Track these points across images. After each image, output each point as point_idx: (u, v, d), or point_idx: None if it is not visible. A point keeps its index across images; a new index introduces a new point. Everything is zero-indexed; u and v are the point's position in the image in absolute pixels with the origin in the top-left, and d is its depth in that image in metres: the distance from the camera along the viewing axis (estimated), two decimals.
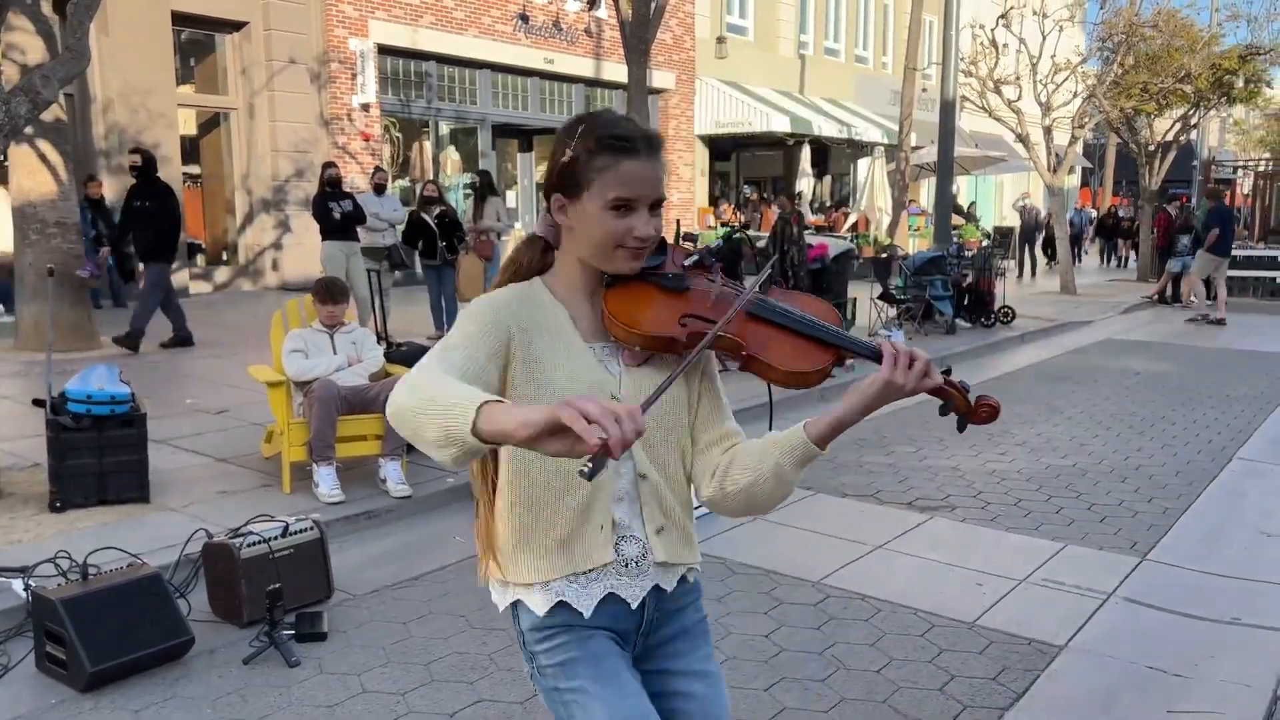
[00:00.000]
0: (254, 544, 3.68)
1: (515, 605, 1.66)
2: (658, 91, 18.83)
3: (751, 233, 18.53)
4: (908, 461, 6.26)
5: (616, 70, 18.88)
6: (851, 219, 20.81)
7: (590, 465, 1.20)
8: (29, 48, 7.97)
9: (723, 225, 19.46)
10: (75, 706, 3.12)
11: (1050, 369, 10.04)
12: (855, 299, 10.07)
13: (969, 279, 12.39)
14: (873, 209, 20.79)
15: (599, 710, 1.57)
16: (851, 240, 15.77)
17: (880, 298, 11.46)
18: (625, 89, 19.14)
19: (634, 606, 1.64)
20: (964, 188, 26.81)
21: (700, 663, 1.73)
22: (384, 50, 14.89)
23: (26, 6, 7.64)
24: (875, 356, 1.59)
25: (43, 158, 8.29)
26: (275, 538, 3.74)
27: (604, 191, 1.54)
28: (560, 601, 1.61)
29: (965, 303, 12.34)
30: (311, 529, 3.89)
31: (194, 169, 13.99)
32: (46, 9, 8.26)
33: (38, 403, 4.73)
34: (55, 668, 3.23)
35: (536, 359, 1.58)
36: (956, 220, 17.93)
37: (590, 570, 1.61)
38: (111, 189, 11.87)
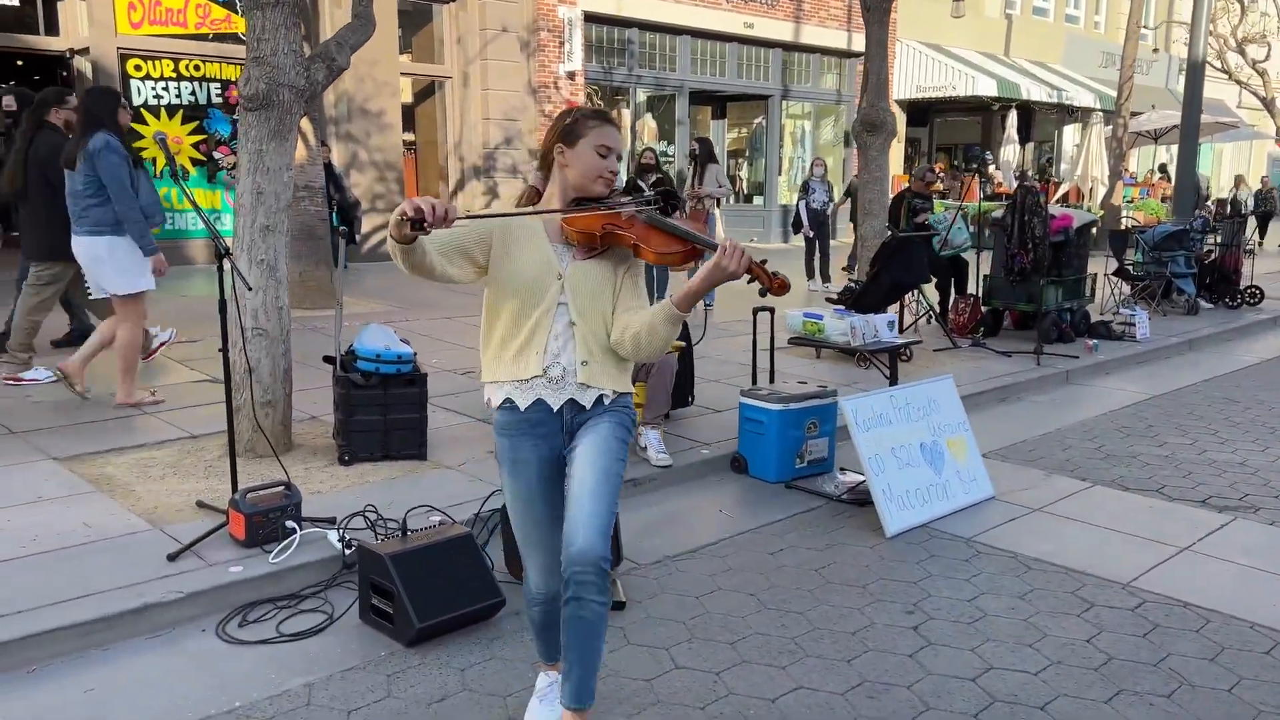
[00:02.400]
0: None
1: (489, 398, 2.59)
2: (855, 55, 18.19)
3: (951, 202, 17.73)
4: (1185, 454, 5.76)
5: (815, 33, 18.37)
6: (1063, 189, 19.57)
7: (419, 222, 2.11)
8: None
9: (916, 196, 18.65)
10: (403, 661, 3.20)
11: None
12: (1094, 275, 9.40)
13: (1214, 255, 11.40)
14: (1086, 178, 19.47)
15: (508, 489, 2.61)
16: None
17: (1116, 274, 10.69)
18: (821, 53, 18.72)
19: (554, 410, 2.51)
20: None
21: (587, 433, 2.52)
22: (590, 18, 14.95)
23: None
24: (714, 248, 2.36)
25: None
26: None
27: (593, 141, 2.47)
28: (508, 397, 2.52)
29: (1207, 281, 11.37)
30: None
31: (409, 136, 14.48)
32: None
33: (328, 360, 4.93)
34: (381, 620, 3.33)
35: (512, 244, 2.49)
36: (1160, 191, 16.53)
37: (526, 379, 2.49)
38: (340, 156, 12.44)
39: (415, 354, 4.89)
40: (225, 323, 3.91)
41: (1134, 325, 9.03)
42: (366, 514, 3.93)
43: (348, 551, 3.71)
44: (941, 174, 20.31)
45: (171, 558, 3.62)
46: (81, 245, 5.45)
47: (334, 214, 11.93)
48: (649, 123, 16.94)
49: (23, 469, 4.58)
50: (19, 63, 14.98)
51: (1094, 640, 3.44)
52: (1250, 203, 18.57)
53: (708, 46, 16.99)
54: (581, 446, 2.49)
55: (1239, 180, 20.97)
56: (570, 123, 2.48)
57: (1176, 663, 3.29)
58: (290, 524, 3.78)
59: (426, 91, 14.46)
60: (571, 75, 14.81)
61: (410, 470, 4.71)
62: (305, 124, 8.92)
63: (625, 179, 10.17)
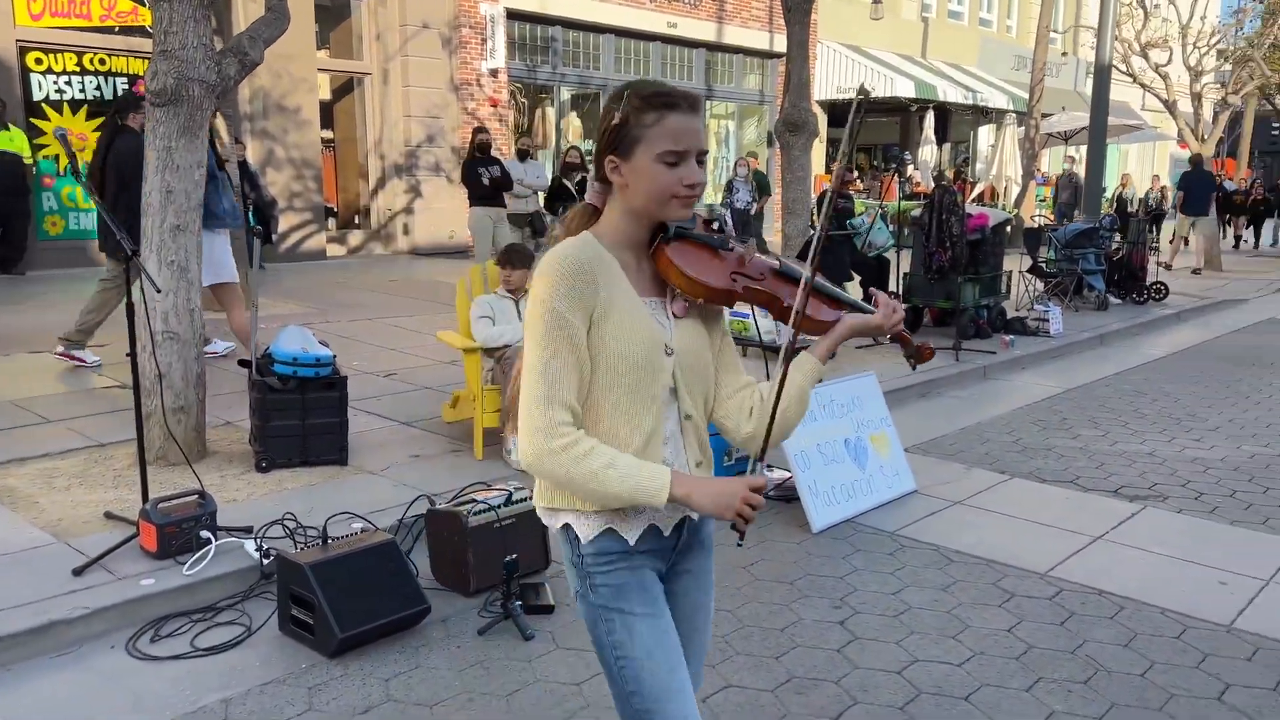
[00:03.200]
0: (480, 512, 3.63)
1: (566, 528, 1.77)
2: (777, 56, 18.40)
3: (871, 201, 18.04)
4: (1097, 445, 5.94)
5: (738, 34, 18.52)
6: (978, 188, 20.08)
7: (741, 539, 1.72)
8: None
9: (841, 196, 18.96)
10: (325, 672, 3.11)
11: (1219, 349, 9.48)
12: (1010, 273, 9.65)
13: (1121, 253, 11.80)
14: (1000, 178, 20.00)
15: (644, 632, 1.73)
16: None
17: (1029, 270, 10.99)
18: (745, 53, 18.88)
19: (666, 534, 1.79)
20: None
21: (698, 578, 1.92)
22: (513, 15, 14.82)
23: None
24: (866, 308, 1.90)
25: None
26: (500, 505, 3.69)
27: (653, 146, 1.67)
28: (608, 528, 1.73)
29: (1115, 278, 11.77)
30: (531, 499, 3.83)
31: (328, 133, 14.18)
32: None
33: (243, 363, 4.78)
34: (301, 631, 3.23)
35: (612, 303, 1.69)
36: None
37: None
38: (255, 153, 12.11)
39: (335, 356, 4.78)
40: (133, 327, 3.76)
41: (1048, 321, 9.29)
42: (285, 522, 3.82)
43: (266, 561, 3.60)
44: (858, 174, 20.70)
45: (77, 572, 3.47)
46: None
47: (250, 213, 11.64)
48: (574, 121, 16.88)
49: None
50: None
51: (1014, 630, 3.52)
52: (1138, 205, 19.29)
53: (632, 45, 16.99)
54: (691, 599, 1.90)
55: (1125, 179, 21.77)
56: (619, 122, 1.68)
57: (1093, 649, 3.38)
58: (205, 534, 3.65)
59: (345, 88, 14.17)
60: (494, 72, 14.67)
61: (331, 476, 4.60)
62: (221, 120, 8.66)
63: (551, 178, 10.11)
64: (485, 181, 9.22)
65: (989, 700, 3.04)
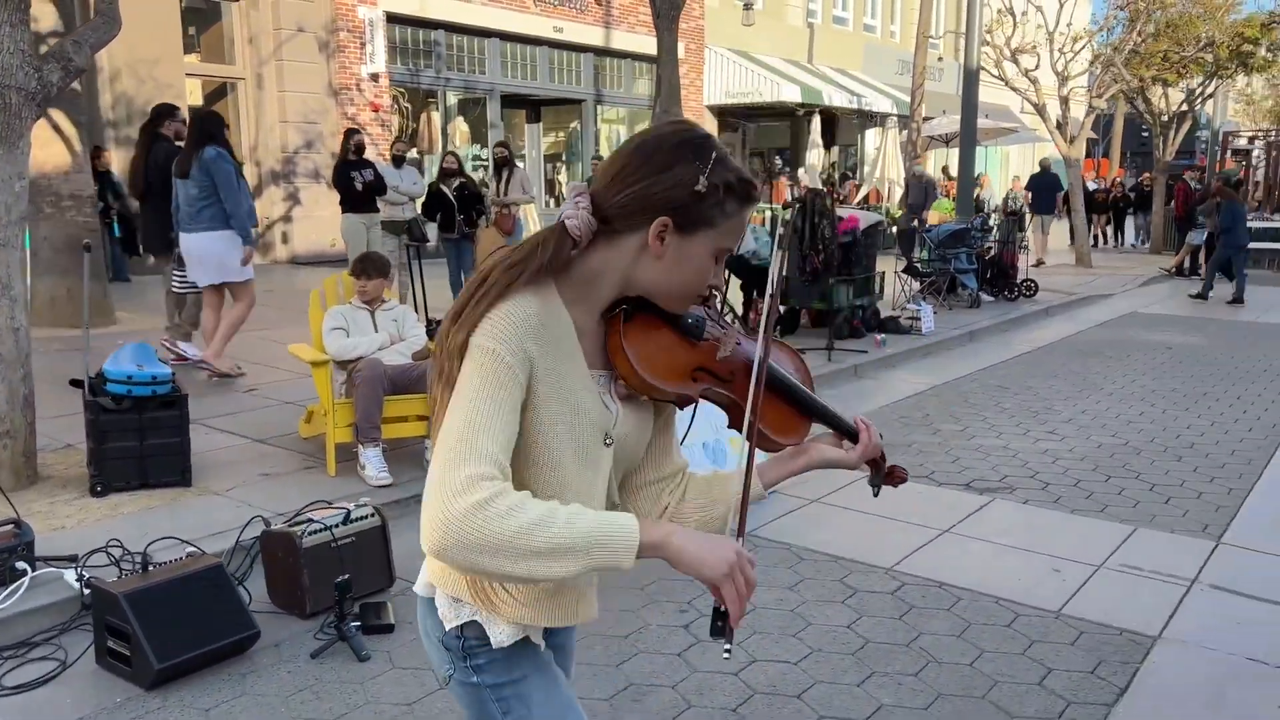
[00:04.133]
0: (315, 532, 3.53)
1: (466, 625, 1.47)
2: None
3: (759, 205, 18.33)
4: (956, 440, 6.12)
5: (626, 39, 18.59)
6: (863, 191, 20.58)
7: (727, 642, 1.31)
8: (43, 15, 7.71)
9: None
10: (142, 705, 2.98)
11: (1080, 343, 9.90)
12: (884, 273, 9.90)
13: (992, 252, 12.23)
14: (884, 181, 20.54)
15: (539, 695, 1.49)
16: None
17: (905, 271, 11.29)
18: (633, 58, 18.96)
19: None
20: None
21: (569, 637, 1.72)
22: (392, 19, 14.58)
23: None
24: (851, 435, 1.66)
25: (56, 129, 8.06)
26: (337, 525, 3.59)
27: (720, 239, 1.42)
28: (525, 638, 1.49)
29: (988, 276, 12.19)
30: (372, 516, 3.75)
31: None
32: None
33: (75, 383, 4.56)
34: (118, 664, 3.09)
35: (559, 374, 1.38)
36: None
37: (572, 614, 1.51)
38: (119, 161, 11.62)
39: (174, 373, 4.59)
40: None
41: (920, 320, 9.56)
42: (110, 549, 3.65)
43: (87, 591, 3.43)
44: None
45: None
46: (197, 241, 6.39)
47: (115, 224, 11.16)
48: (460, 126, 16.70)
49: None
50: None
51: (854, 625, 3.58)
52: (999, 206, 20.10)
53: (518, 50, 16.90)
54: (564, 657, 1.71)
55: (983, 180, 22.64)
56: (701, 192, 1.37)
57: (927, 641, 3.47)
58: (21, 565, 3.46)
59: (218, 93, 13.72)
60: (375, 77, 14.40)
61: (172, 499, 4.42)
62: (71, 128, 8.28)
63: (427, 185, 9.96)
64: (358, 186, 9.02)
65: (821, 697, 3.08)
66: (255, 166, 13.59)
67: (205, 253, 6.44)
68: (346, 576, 3.31)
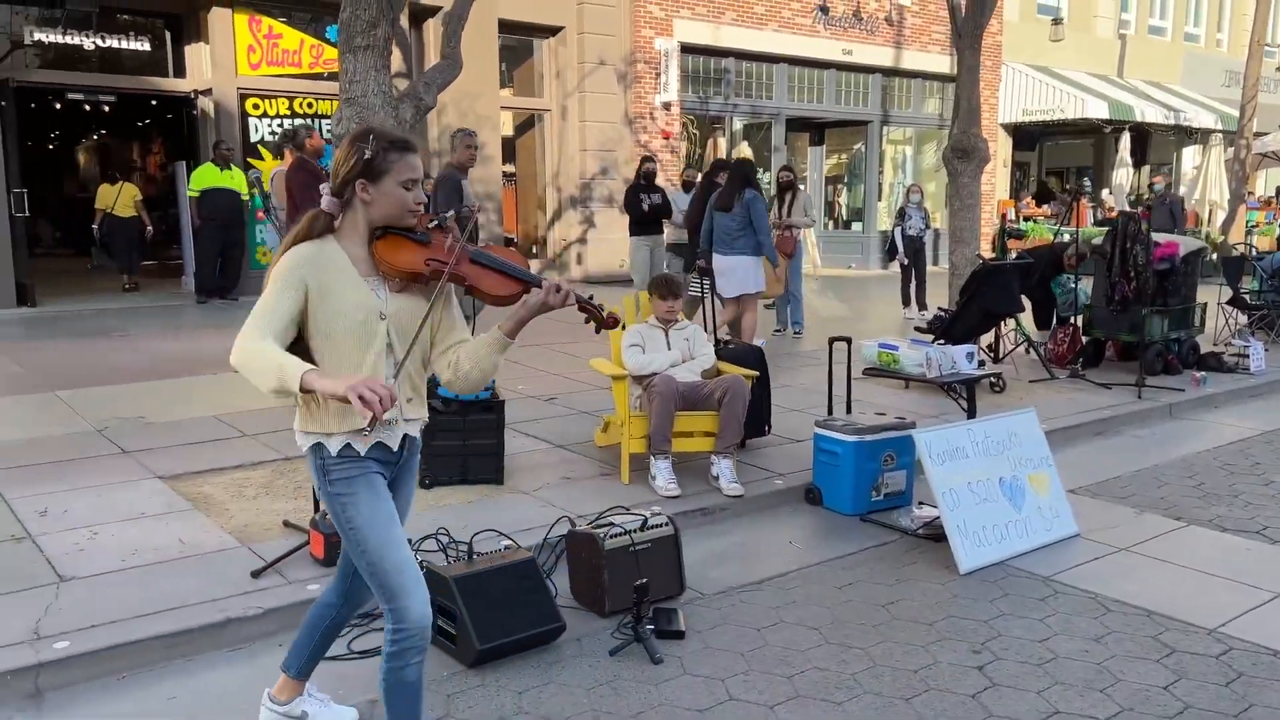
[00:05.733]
0: (616, 535, 3.75)
1: (316, 446, 2.46)
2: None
3: (1056, 227, 17.18)
4: None
5: (916, 58, 18.16)
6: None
7: (367, 426, 2.21)
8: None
9: (1025, 220, 18.18)
10: (463, 681, 3.30)
11: None
12: (1205, 305, 8.99)
13: None
14: (1204, 202, 18.63)
15: (364, 505, 2.44)
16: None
17: (1230, 302, 10.20)
18: (923, 77, 18.47)
19: (394, 449, 2.53)
20: None
21: (406, 482, 2.70)
22: (686, 49, 15.14)
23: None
24: (536, 284, 2.48)
25: None
26: (635, 530, 3.79)
27: (399, 175, 2.39)
28: (347, 444, 2.44)
29: None
30: (666, 525, 3.92)
31: (509, 167, 14.89)
32: (404, 22, 8.99)
33: None
34: (444, 641, 3.43)
35: (329, 289, 2.39)
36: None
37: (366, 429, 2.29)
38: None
39: (495, 381, 5.03)
40: None
41: (1248, 357, 8.60)
42: (439, 536, 4.06)
43: None
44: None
45: (255, 574, 3.82)
46: (730, 262, 7.88)
47: None
48: (744, 150, 16.99)
49: (129, 486, 4.88)
50: (152, 102, 16.04)
51: (1172, 687, 3.30)
52: None
53: (805, 74, 16.98)
54: (400, 499, 2.63)
55: None
56: (370, 158, 2.35)
57: (1260, 714, 3.13)
58: None
59: (526, 124, 14.85)
60: (667, 105, 15.00)
61: (486, 495, 4.84)
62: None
63: None
64: (645, 208, 9.44)
65: None
66: (556, 192, 14.57)
67: (735, 271, 7.84)
68: (645, 580, 3.49)
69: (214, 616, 3.49)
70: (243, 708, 3.10)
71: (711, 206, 8.05)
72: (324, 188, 2.45)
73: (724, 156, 16.38)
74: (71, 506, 4.57)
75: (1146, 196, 19.58)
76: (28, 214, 11.25)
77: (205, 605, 3.57)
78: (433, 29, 12.85)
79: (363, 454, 2.45)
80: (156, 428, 5.97)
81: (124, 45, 11.94)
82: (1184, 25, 23.44)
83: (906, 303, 11.76)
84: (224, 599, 3.63)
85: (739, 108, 16.32)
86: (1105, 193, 19.49)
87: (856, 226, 18.89)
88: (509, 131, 14.78)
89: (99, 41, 11.96)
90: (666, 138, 15.07)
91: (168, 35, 12.46)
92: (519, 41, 14.27)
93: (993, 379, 7.42)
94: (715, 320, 7.25)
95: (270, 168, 12.12)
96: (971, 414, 5.63)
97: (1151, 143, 22.60)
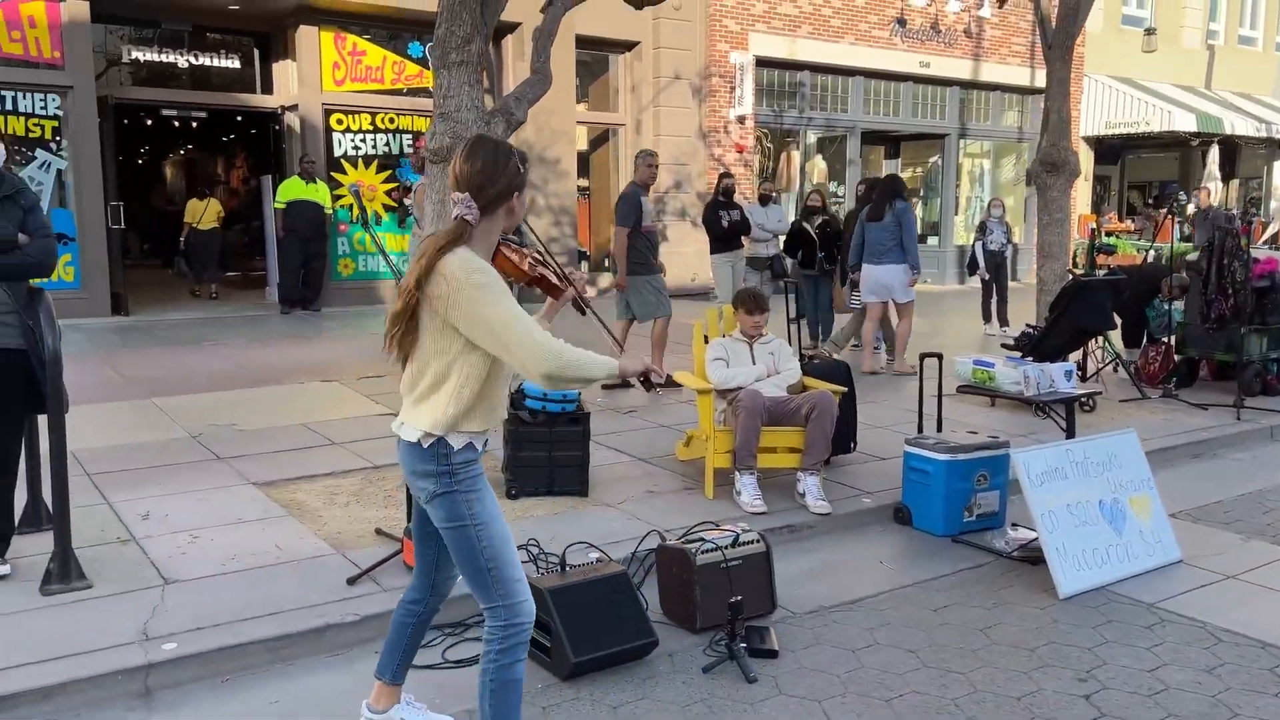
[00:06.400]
0: (708, 551, 3.72)
1: (439, 440, 2.55)
2: (1038, 91, 17.52)
3: (1143, 242, 16.71)
4: None
5: (995, 71, 17.85)
6: (1271, 229, 18.12)
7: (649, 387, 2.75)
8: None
9: (1108, 235, 17.72)
10: (559, 694, 3.29)
11: None
12: None
13: None
14: None
15: (488, 502, 2.62)
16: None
17: None
18: (1002, 90, 18.15)
19: (480, 449, 2.65)
20: None
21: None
22: (761, 62, 15.09)
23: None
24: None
25: None
26: (727, 546, 3.76)
27: (521, 197, 2.66)
28: (469, 443, 2.59)
29: None
30: (758, 541, 3.88)
31: (583, 181, 14.99)
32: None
33: None
34: (538, 653, 3.43)
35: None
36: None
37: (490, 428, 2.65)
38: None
39: (580, 393, 5.05)
40: None
41: None
42: (529, 548, 4.08)
43: None
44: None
45: (351, 581, 3.87)
46: (881, 271, 8.24)
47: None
48: (819, 163, 16.87)
49: (226, 493, 5.00)
50: (238, 118, 16.53)
51: None
52: None
53: (881, 86, 16.80)
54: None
55: None
56: (521, 169, 2.61)
57: None
58: None
59: (601, 139, 14.93)
60: (742, 119, 14.96)
61: (572, 506, 4.85)
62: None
63: (791, 222, 10.17)
64: (724, 224, 9.42)
65: None
66: None
67: (892, 276, 8.23)
68: (739, 598, 3.45)
69: (313, 622, 3.55)
70: (342, 714, 3.13)
71: (862, 219, 8.39)
72: (459, 196, 2.56)
73: (799, 169, 16.29)
74: (172, 511, 4.69)
75: (1250, 212, 18.96)
76: (123, 226, 11.66)
77: (304, 611, 3.63)
78: (510, 45, 13.02)
79: (482, 450, 2.66)
80: (249, 435, 6.11)
81: (214, 63, 12.34)
82: (1275, 35, 22.66)
83: (987, 318, 11.52)
84: (321, 605, 3.68)
85: (813, 121, 16.21)
86: (1191, 208, 18.90)
87: (933, 240, 18.60)
88: (584, 146, 14.87)
89: (191, 59, 12.39)
90: (740, 151, 15.03)
91: (256, 53, 12.84)
92: (593, 56, 14.37)
93: (1084, 398, 7.22)
94: (800, 333, 7.19)
95: (350, 179, 12.42)
96: (1070, 434, 5.48)
97: (1241, 156, 21.87)
